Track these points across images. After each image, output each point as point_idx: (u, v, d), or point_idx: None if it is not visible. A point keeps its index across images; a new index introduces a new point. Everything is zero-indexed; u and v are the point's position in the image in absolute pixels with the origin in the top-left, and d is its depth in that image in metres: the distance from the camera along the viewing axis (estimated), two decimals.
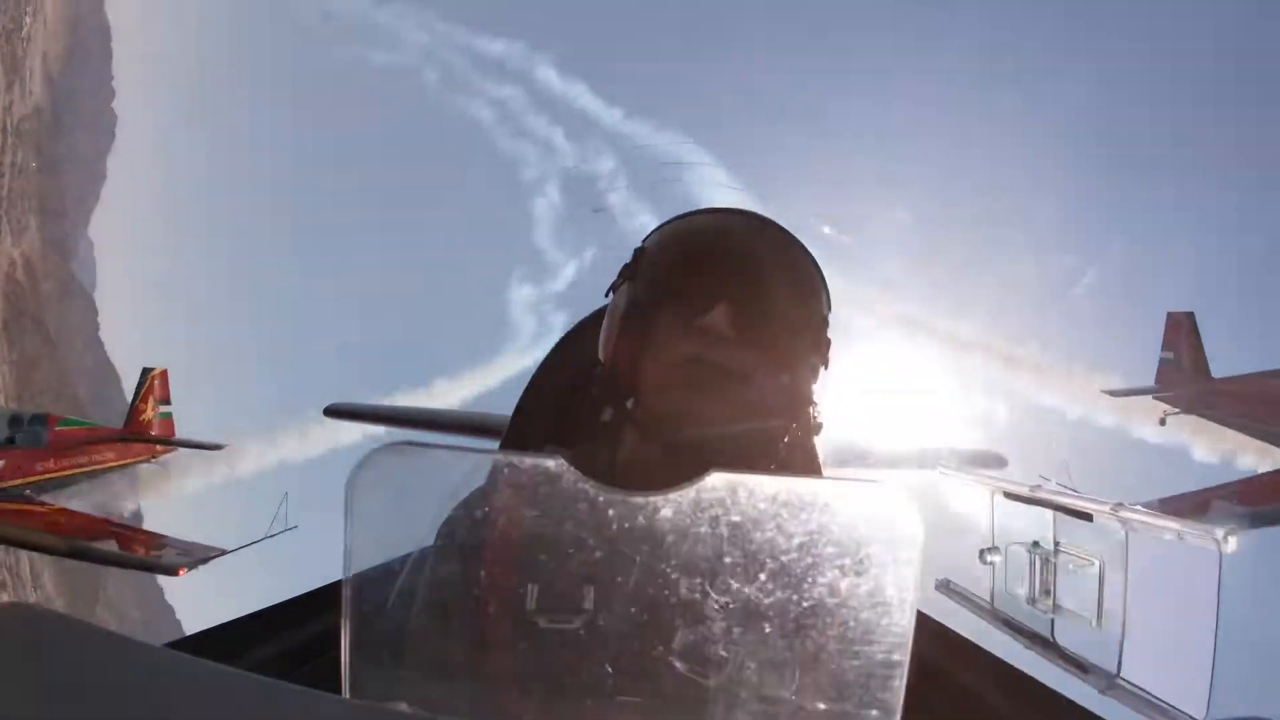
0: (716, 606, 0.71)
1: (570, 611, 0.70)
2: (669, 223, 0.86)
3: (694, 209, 0.86)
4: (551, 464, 0.78)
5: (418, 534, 0.82)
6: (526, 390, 2.11)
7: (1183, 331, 11.78)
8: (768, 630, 0.72)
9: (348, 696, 0.62)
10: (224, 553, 9.92)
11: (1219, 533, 0.89)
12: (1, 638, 0.52)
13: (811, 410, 0.87)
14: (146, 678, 0.50)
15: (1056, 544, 1.00)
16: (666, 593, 0.72)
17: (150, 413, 13.28)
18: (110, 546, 9.99)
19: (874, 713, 0.73)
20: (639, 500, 0.66)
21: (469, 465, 0.75)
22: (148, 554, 9.98)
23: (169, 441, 13.48)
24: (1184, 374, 11.67)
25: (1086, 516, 1.01)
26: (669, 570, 0.73)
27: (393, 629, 0.78)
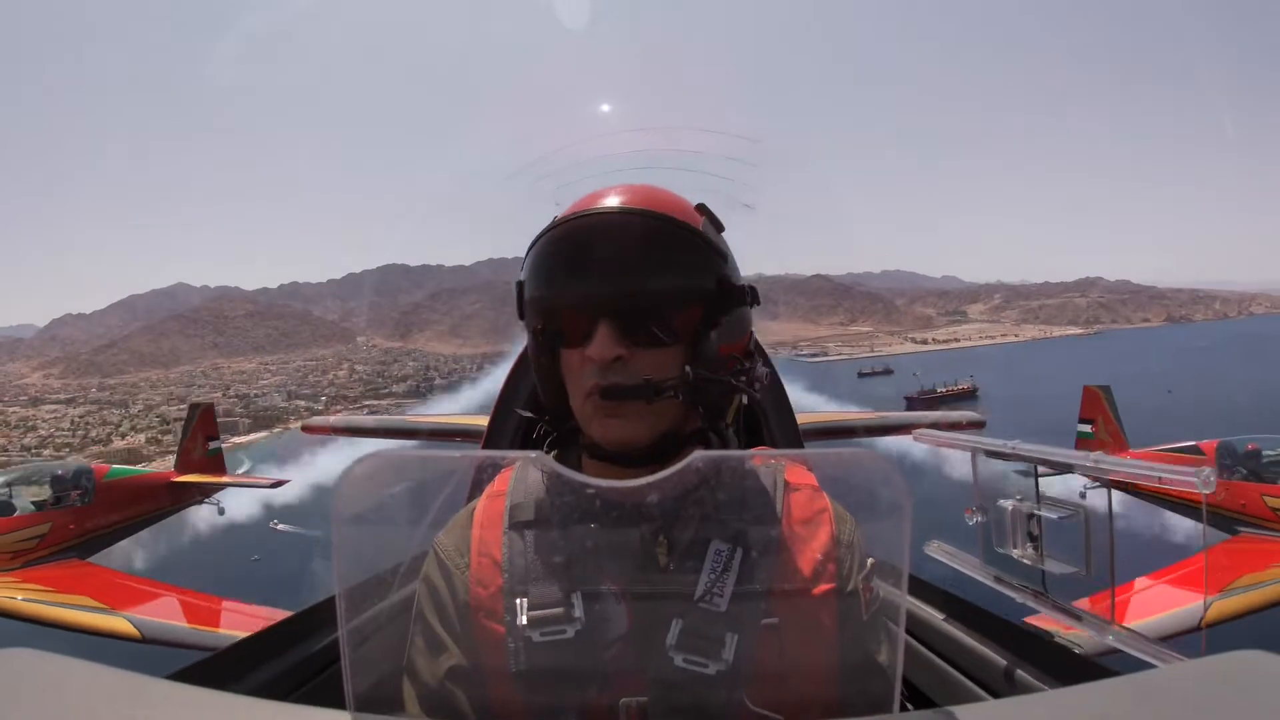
0: (711, 586, 0.71)
1: (568, 608, 0.70)
2: (534, 245, 0.83)
3: (552, 222, 0.83)
4: (533, 461, 0.77)
5: (408, 540, 0.82)
6: (497, 403, 2.15)
7: (1100, 404, 11.84)
8: (764, 606, 0.72)
9: (351, 710, 0.61)
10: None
11: (1199, 476, 0.91)
12: (4, 684, 0.52)
13: (747, 364, 0.86)
14: (151, 712, 0.50)
15: (1040, 498, 1.02)
16: (661, 579, 0.72)
17: (200, 450, 12.68)
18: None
19: (876, 677, 0.73)
20: (626, 488, 0.65)
21: (453, 468, 0.74)
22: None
23: (222, 482, 12.79)
24: (1103, 447, 11.52)
25: (1068, 469, 1.03)
26: (661, 556, 0.73)
27: (392, 639, 0.78)
